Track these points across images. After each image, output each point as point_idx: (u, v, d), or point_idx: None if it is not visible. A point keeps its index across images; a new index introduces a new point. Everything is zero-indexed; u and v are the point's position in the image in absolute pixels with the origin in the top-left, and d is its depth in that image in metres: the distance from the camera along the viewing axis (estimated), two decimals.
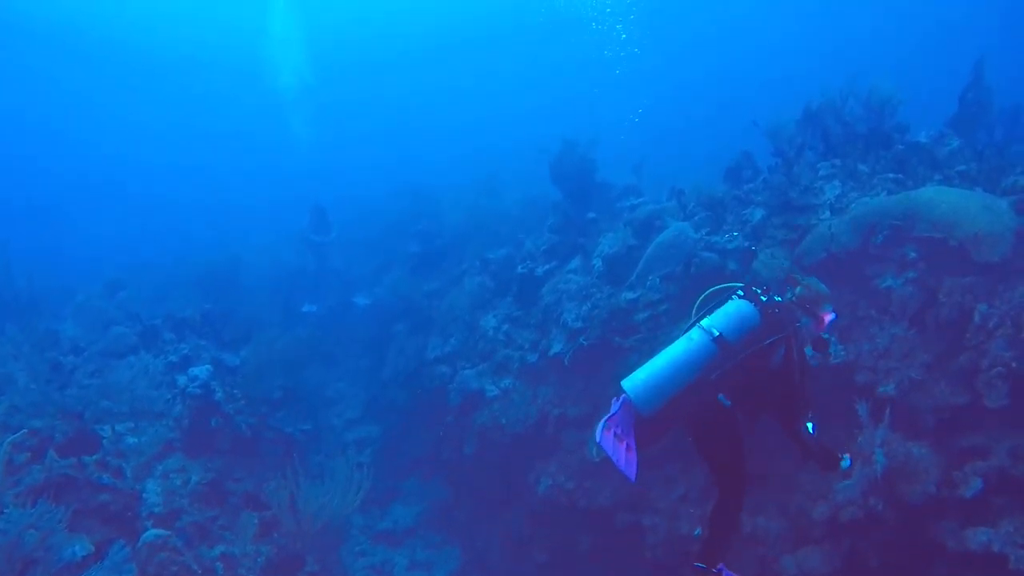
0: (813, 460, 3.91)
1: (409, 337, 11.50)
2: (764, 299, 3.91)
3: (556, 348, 8.34)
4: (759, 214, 7.75)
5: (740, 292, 3.99)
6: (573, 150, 10.03)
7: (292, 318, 13.13)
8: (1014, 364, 5.69)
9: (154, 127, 34.71)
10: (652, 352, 7.36)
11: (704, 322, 3.88)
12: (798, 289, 4.07)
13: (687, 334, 3.91)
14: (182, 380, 7.98)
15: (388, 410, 11.43)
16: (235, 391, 8.64)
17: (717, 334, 3.79)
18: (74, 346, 9.00)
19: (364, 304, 13.30)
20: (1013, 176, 6.88)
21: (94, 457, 6.67)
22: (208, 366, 8.25)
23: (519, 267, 9.66)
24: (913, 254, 6.51)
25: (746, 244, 7.48)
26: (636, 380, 3.85)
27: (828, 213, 7.23)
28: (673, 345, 3.91)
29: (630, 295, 7.87)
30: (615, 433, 3.85)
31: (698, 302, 4.15)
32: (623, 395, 3.88)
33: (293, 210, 16.71)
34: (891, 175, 7.33)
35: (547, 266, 9.35)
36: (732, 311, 3.89)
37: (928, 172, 7.34)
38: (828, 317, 4.04)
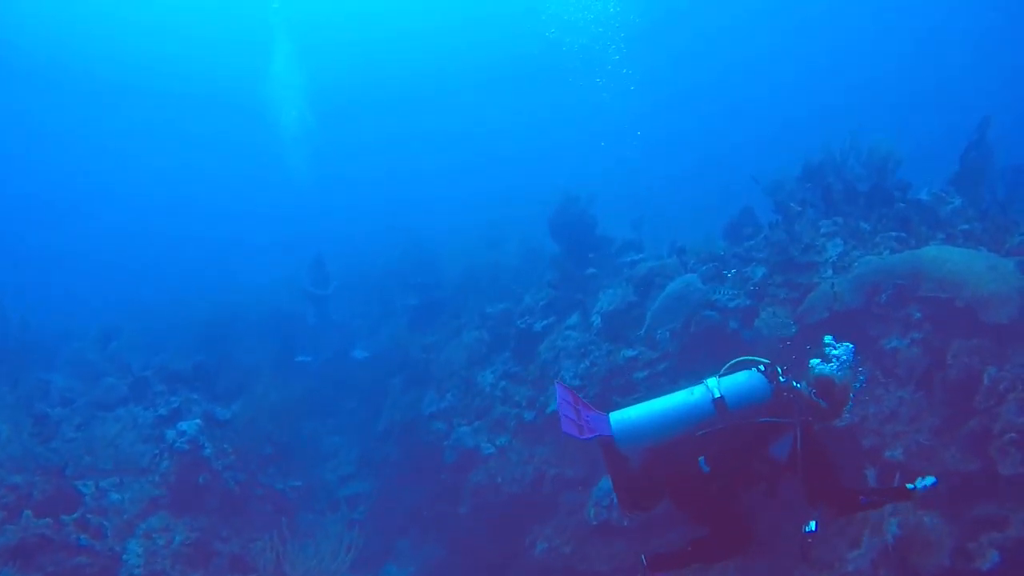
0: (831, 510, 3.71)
1: (405, 391, 11.34)
2: (782, 380, 3.72)
3: (554, 406, 8.13)
4: (760, 272, 7.67)
5: (762, 367, 3.84)
6: (573, 205, 10.03)
7: (287, 370, 12.97)
8: None
9: (155, 166, 34.92)
10: None
11: (711, 381, 3.79)
12: (814, 375, 3.72)
13: (690, 389, 3.83)
14: (171, 435, 7.78)
15: (383, 465, 11.22)
16: (225, 446, 8.43)
17: (718, 395, 3.69)
18: (63, 397, 8.84)
19: (361, 357, 13.17)
20: (1018, 236, 6.82)
21: (73, 516, 6.44)
22: (198, 420, 8.05)
23: (517, 322, 9.56)
24: (918, 314, 6.39)
25: (748, 302, 7.36)
26: (626, 415, 3.82)
27: (831, 271, 7.13)
28: (674, 395, 3.85)
29: (629, 353, 7.74)
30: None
31: (721, 371, 3.99)
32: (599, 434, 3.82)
33: (293, 252, 16.73)
34: (894, 233, 7.27)
35: (545, 322, 9.23)
36: (743, 380, 3.77)
37: (931, 231, 7.27)
38: (845, 409, 3.76)
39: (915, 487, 3.56)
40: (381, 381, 12.06)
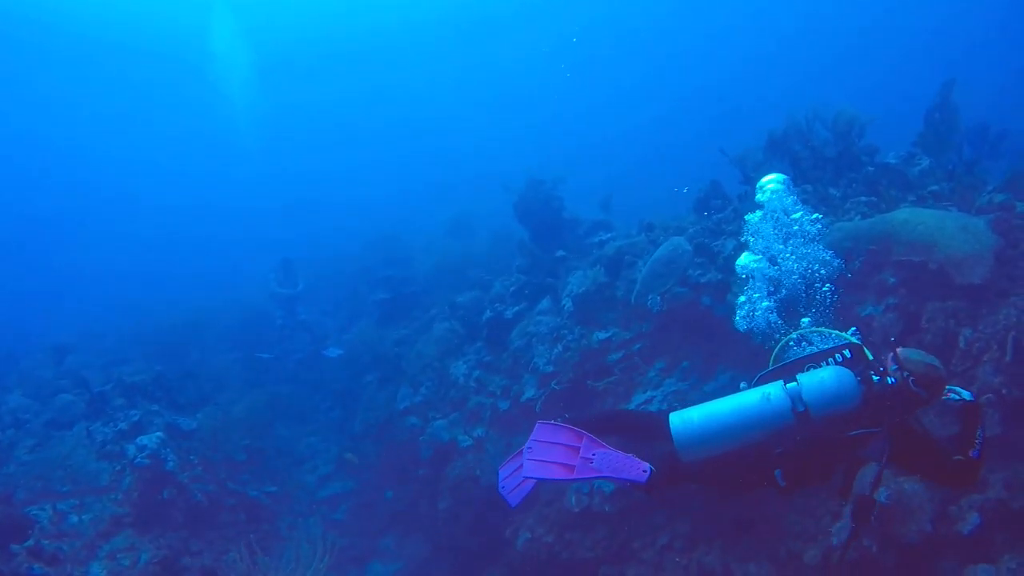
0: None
1: (380, 388, 11.17)
2: (876, 378, 3.11)
3: (528, 394, 7.98)
4: (731, 244, 7.50)
5: (848, 353, 3.23)
6: (538, 188, 9.81)
7: (258, 373, 12.68)
8: (1004, 391, 5.42)
9: (119, 159, 33.13)
10: (627, 395, 7.03)
11: (790, 384, 3.15)
12: (913, 362, 3.16)
13: (765, 391, 3.18)
14: (131, 450, 7.47)
15: (362, 464, 11.04)
16: (191, 457, 8.15)
17: (803, 409, 3.07)
18: (16, 419, 8.46)
19: (334, 356, 12.94)
20: (986, 194, 6.72)
21: (26, 544, 6.11)
22: (159, 433, 7.74)
23: (488, 311, 9.34)
24: (893, 279, 6.27)
25: (719, 276, 7.20)
26: (689, 421, 3.19)
27: (800, 240, 6.97)
28: (744, 396, 3.22)
29: (602, 335, 7.56)
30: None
31: (781, 343, 3.54)
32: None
33: (262, 250, 16.35)
34: (864, 198, 7.14)
35: (516, 308, 9.04)
36: (831, 384, 3.11)
37: (901, 193, 7.15)
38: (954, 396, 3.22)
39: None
40: (355, 379, 11.90)
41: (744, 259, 5.03)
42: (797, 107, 8.60)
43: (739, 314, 4.93)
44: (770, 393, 3.16)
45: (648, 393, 6.95)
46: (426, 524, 9.47)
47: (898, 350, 3.20)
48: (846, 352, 3.27)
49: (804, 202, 7.40)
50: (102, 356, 12.08)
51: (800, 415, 3.07)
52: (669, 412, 3.27)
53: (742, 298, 5.03)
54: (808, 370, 3.26)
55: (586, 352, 7.63)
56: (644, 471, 3.14)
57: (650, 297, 7.42)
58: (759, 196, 4.72)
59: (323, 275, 15.80)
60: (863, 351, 3.24)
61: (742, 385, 3.44)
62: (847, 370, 3.14)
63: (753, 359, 6.84)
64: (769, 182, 4.65)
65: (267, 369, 12.97)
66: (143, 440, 7.48)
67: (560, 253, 9.29)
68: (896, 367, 3.13)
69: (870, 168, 7.64)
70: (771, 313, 5.07)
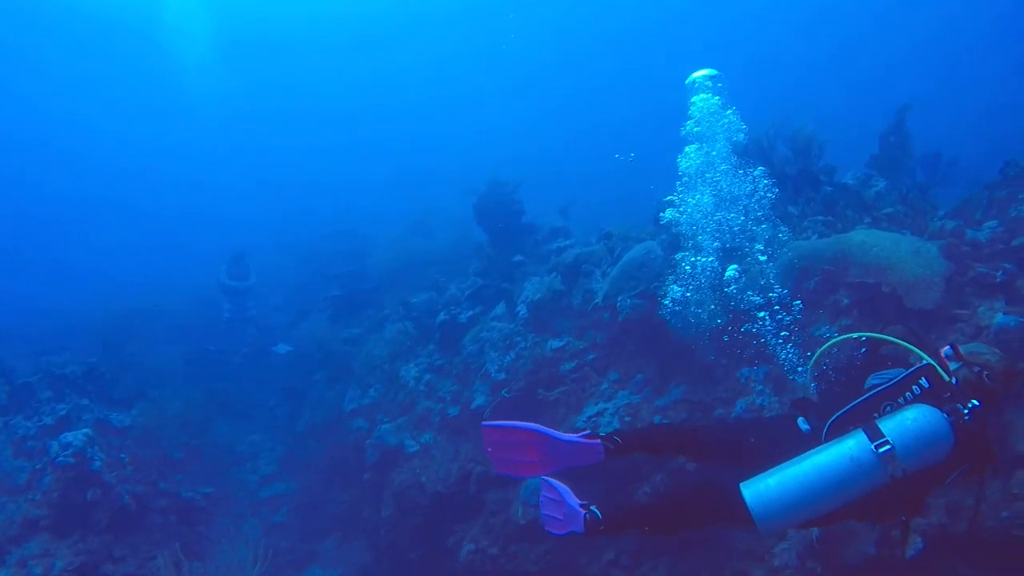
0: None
1: (328, 387, 10.89)
2: (966, 413, 2.70)
3: (479, 401, 7.80)
4: (690, 257, 7.43)
5: (925, 383, 2.84)
6: (499, 190, 9.63)
7: (202, 367, 12.25)
8: None
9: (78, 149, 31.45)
10: (578, 406, 6.90)
11: (882, 447, 2.68)
12: (1000, 367, 2.84)
13: (850, 453, 2.72)
14: (54, 447, 7.04)
15: (306, 465, 10.76)
16: (122, 455, 7.75)
17: (901, 476, 2.67)
18: None
19: (282, 352, 12.59)
20: (938, 220, 6.78)
21: None
22: (87, 430, 7.31)
23: (442, 313, 9.13)
24: (847, 300, 6.27)
25: (679, 290, 7.12)
26: (766, 496, 2.77)
27: (760, 256, 6.95)
28: (826, 460, 2.76)
29: (556, 343, 7.41)
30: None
31: (821, 349, 3.18)
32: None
33: (218, 230, 15.85)
34: (821, 218, 7.15)
35: (471, 312, 8.85)
36: (925, 431, 2.69)
37: (857, 215, 7.18)
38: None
39: None
40: (304, 376, 11.60)
41: (668, 213, 5.15)
42: (759, 122, 8.61)
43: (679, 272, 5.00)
44: (853, 452, 2.73)
45: (600, 405, 6.83)
46: (369, 530, 9.25)
47: (959, 349, 2.92)
48: (923, 381, 2.86)
49: (764, 219, 7.42)
50: (34, 344, 11.48)
51: (895, 479, 2.69)
52: (739, 482, 2.86)
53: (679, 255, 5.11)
54: (887, 412, 2.84)
55: (539, 360, 7.47)
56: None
57: (619, 299, 7.29)
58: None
59: (277, 266, 15.41)
60: (938, 373, 2.84)
61: (803, 427, 3.05)
62: (936, 412, 2.73)
63: (707, 374, 6.81)
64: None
65: (212, 363, 12.54)
66: (68, 437, 7.05)
67: (517, 258, 9.13)
68: (960, 365, 2.85)
69: (828, 188, 7.67)
70: (713, 261, 5.13)
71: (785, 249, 6.80)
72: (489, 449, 3.23)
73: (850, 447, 2.74)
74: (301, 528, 10.12)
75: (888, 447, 2.67)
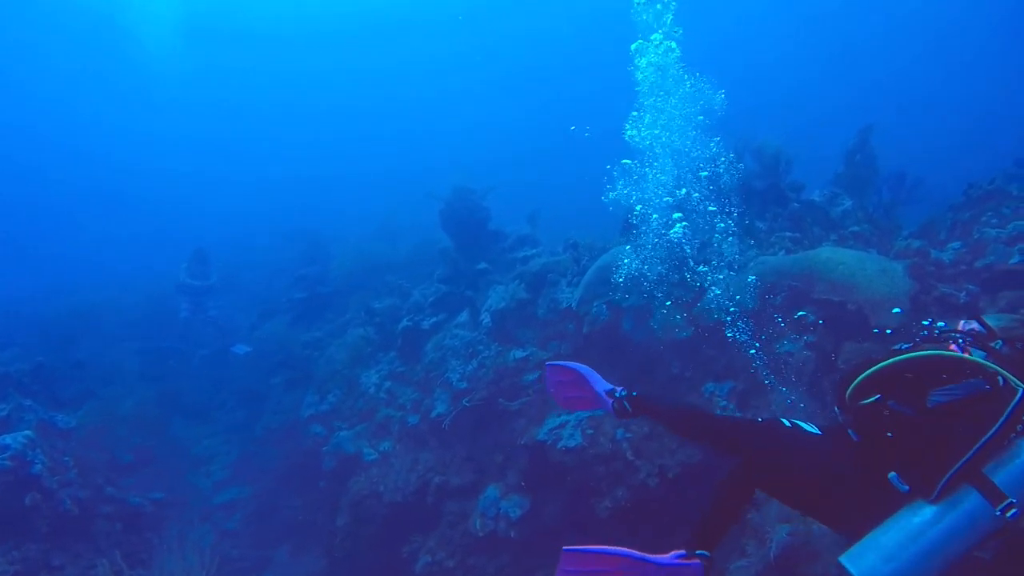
0: None
1: (287, 391, 10.64)
2: None
3: (439, 409, 7.63)
4: (657, 269, 7.38)
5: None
6: (466, 196, 9.48)
7: (155, 367, 11.88)
8: None
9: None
10: (539, 418, 6.78)
11: (994, 500, 2.32)
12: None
13: (962, 505, 2.36)
14: None
15: (262, 471, 10.48)
16: (66, 459, 7.41)
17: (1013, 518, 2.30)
18: None
19: (242, 353, 12.25)
20: (903, 239, 6.82)
21: None
22: (28, 432, 6.98)
23: (405, 319, 8.95)
24: (812, 317, 6.24)
25: (641, 301, 7.05)
26: (870, 565, 2.37)
27: (726, 271, 6.92)
28: (934, 518, 2.38)
29: (519, 353, 7.29)
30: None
31: (875, 368, 2.64)
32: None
33: (171, 240, 15.43)
34: (788, 234, 7.15)
35: (434, 319, 8.69)
36: None
37: (823, 232, 7.20)
38: None
39: None
40: (262, 379, 11.32)
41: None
42: (728, 136, 8.61)
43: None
44: (968, 507, 2.35)
45: (562, 417, 6.72)
46: (324, 538, 9.02)
47: (986, 320, 2.67)
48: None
49: (731, 233, 7.41)
50: None
51: (1009, 521, 2.32)
52: (841, 559, 2.42)
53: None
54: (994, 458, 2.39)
55: (501, 370, 7.34)
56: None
57: (595, 304, 7.18)
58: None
59: (238, 264, 15.07)
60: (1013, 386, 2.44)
61: (901, 488, 2.49)
62: None
63: (672, 387, 6.75)
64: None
65: (168, 362, 12.18)
66: (6, 439, 6.71)
67: (482, 265, 8.99)
68: (1002, 343, 2.58)
69: (796, 204, 7.68)
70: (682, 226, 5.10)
71: (752, 264, 6.78)
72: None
73: (968, 512, 2.36)
74: (255, 535, 9.85)
75: (1015, 511, 2.29)
